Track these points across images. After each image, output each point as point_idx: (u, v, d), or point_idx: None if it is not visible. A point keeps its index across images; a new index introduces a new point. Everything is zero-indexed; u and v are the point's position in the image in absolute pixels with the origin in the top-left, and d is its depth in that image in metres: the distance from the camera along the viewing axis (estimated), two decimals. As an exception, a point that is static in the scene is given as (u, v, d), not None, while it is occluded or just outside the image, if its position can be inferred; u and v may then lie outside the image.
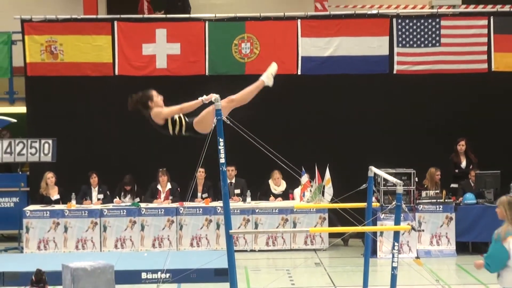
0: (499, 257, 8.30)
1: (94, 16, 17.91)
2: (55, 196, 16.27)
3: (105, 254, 15.10)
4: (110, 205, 16.05)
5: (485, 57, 17.21)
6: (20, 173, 17.22)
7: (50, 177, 16.19)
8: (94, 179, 16.32)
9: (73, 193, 15.99)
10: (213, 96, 8.05)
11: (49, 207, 15.90)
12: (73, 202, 15.89)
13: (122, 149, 16.93)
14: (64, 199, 16.15)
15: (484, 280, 12.51)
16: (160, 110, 8.31)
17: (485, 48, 17.21)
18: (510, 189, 15.40)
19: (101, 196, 16.32)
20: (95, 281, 10.87)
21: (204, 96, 8.06)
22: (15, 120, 17.71)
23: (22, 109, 17.76)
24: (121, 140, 17.00)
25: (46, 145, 16.31)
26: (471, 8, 18.35)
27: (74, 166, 16.57)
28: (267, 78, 8.60)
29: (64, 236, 15.70)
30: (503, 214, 8.52)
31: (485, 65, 17.22)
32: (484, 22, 17.24)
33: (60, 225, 15.68)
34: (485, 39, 17.20)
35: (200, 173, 16.07)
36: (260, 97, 17.42)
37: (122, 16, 17.38)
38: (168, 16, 17.58)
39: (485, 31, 17.20)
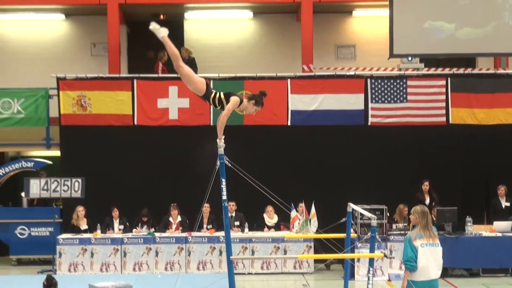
0: (411, 253, 8.76)
1: (117, 75, 17.91)
2: (84, 226, 16.16)
3: (125, 276, 14.94)
4: (130, 234, 15.93)
5: (443, 111, 17.22)
6: (55, 206, 17.16)
7: (80, 210, 16.13)
8: (115, 213, 16.23)
9: (98, 224, 15.90)
10: (220, 144, 8.23)
11: (78, 236, 15.79)
12: (99, 231, 15.80)
13: (140, 187, 16.82)
14: (91, 229, 16.05)
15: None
16: (231, 108, 8.94)
17: (443, 104, 17.23)
18: (465, 223, 15.31)
19: (121, 226, 16.20)
20: (116, 299, 10.78)
21: (219, 139, 8.35)
22: (51, 162, 17.68)
23: (56, 153, 17.71)
24: (139, 179, 16.91)
25: (76, 184, 16.25)
26: (432, 71, 18.39)
27: (99, 201, 16.45)
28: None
29: (91, 261, 15.56)
30: (416, 221, 9.07)
31: (444, 118, 17.23)
32: (443, 82, 17.28)
33: (87, 251, 15.55)
34: (443, 97, 17.23)
35: (206, 208, 15.98)
36: (257, 144, 17.41)
37: (141, 75, 17.41)
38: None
39: (444, 90, 17.23)
